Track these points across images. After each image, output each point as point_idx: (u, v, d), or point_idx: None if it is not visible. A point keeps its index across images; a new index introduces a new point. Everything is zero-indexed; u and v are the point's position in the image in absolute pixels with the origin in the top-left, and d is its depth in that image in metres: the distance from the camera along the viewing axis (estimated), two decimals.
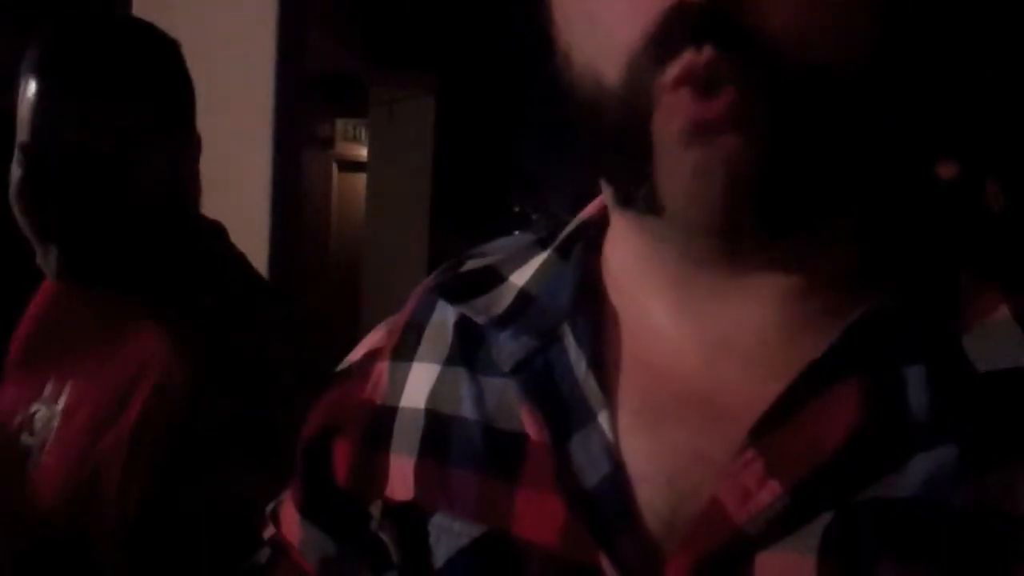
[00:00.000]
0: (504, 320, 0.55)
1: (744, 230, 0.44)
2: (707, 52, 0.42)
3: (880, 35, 0.44)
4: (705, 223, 0.44)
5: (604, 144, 0.46)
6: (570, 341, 0.52)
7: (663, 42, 0.43)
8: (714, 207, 0.43)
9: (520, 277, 0.57)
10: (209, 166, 2.23)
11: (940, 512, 0.43)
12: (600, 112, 0.46)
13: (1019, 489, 0.43)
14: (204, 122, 2.23)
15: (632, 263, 0.52)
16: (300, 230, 2.55)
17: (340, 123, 7.56)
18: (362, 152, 6.67)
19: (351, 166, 7.44)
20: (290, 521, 0.65)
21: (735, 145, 0.42)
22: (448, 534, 0.54)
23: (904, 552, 0.43)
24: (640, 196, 0.45)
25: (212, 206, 2.21)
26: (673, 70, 0.42)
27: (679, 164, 0.43)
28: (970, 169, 0.53)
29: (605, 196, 0.53)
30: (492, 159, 5.30)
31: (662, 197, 0.44)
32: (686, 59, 0.42)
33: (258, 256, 2.24)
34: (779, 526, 0.45)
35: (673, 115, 0.43)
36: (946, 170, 0.53)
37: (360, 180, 6.56)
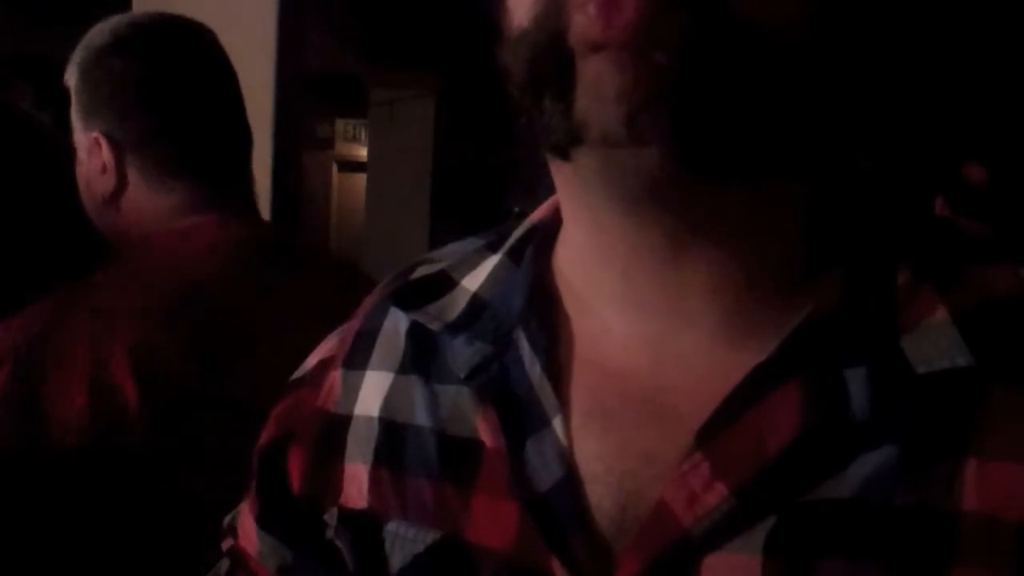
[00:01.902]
0: (458, 326, 0.55)
1: (657, 146, 0.43)
2: None
3: (828, 8, 0.45)
4: (614, 126, 0.43)
5: (524, 88, 0.46)
6: (524, 346, 0.52)
7: None
8: (628, 105, 0.42)
9: (472, 282, 0.57)
10: None
11: (881, 511, 0.44)
12: (516, 60, 0.46)
13: (956, 486, 0.44)
14: None
15: (581, 263, 0.52)
16: (300, 230, 2.55)
17: (340, 123, 7.57)
18: (362, 152, 6.68)
19: (351, 166, 7.45)
20: (248, 531, 0.65)
21: (649, 56, 0.42)
22: (403, 541, 0.54)
23: (847, 551, 0.44)
24: (559, 119, 0.45)
25: None
26: None
27: (593, 68, 0.43)
28: (908, 170, 0.54)
29: (552, 171, 0.53)
30: (491, 159, 5.30)
31: (579, 112, 0.44)
32: None
33: None
34: (725, 528, 0.45)
35: (583, 30, 0.43)
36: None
37: (360, 180, 6.56)
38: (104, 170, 1.05)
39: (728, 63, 0.42)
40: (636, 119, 0.42)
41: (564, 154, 0.46)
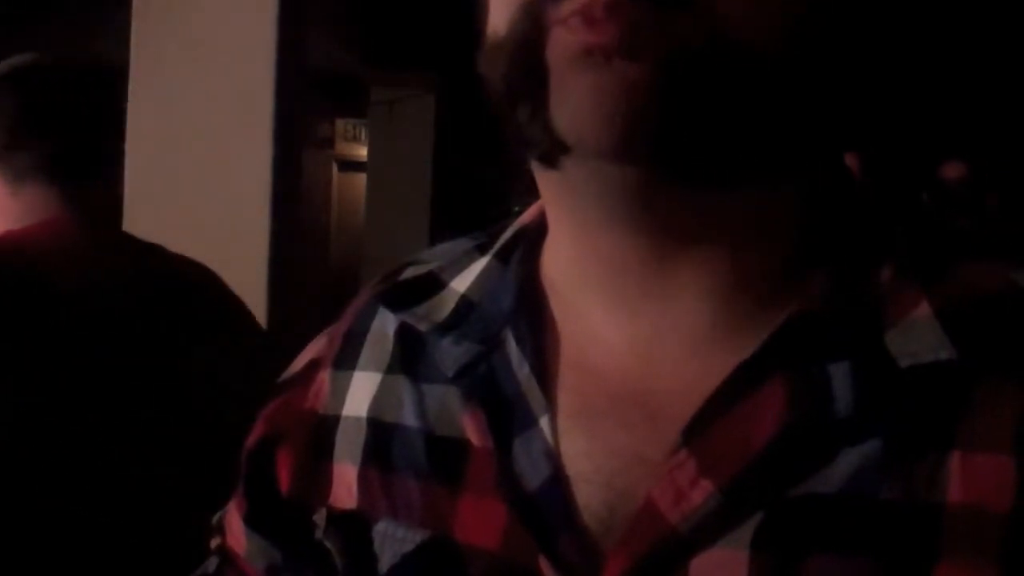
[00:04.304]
0: (446, 326, 0.55)
1: (641, 160, 0.44)
2: None
3: (810, 17, 0.45)
4: (599, 146, 0.43)
5: (502, 97, 0.47)
6: (512, 346, 0.53)
7: None
8: (612, 125, 0.42)
9: (461, 283, 0.57)
10: (209, 166, 2.24)
11: (867, 505, 0.44)
12: (494, 68, 0.46)
13: (941, 479, 0.44)
14: (204, 122, 2.23)
15: (568, 264, 0.53)
16: (300, 230, 2.55)
17: (340, 123, 7.57)
18: (362, 152, 6.68)
19: (351, 166, 7.45)
20: (235, 530, 0.65)
21: (631, 69, 0.42)
22: (392, 541, 0.54)
23: (834, 546, 0.44)
24: (539, 133, 0.45)
25: (212, 206, 2.22)
26: (571, 4, 0.42)
27: (573, 88, 0.43)
28: (892, 167, 0.54)
29: (536, 176, 0.53)
30: (492, 159, 5.31)
31: (560, 126, 0.44)
32: None
33: (258, 256, 2.24)
34: (713, 525, 0.45)
35: (564, 41, 0.43)
36: (867, 166, 0.54)
37: (360, 179, 6.57)
38: None
39: (710, 75, 0.42)
40: (619, 139, 0.43)
41: (548, 163, 0.47)
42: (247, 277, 2.18)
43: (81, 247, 1.27)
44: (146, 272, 1.32)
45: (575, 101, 0.43)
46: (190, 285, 1.36)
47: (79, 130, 1.33)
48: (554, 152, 0.45)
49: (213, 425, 1.13)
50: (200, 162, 2.23)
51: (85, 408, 1.14)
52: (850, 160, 0.53)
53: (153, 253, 1.37)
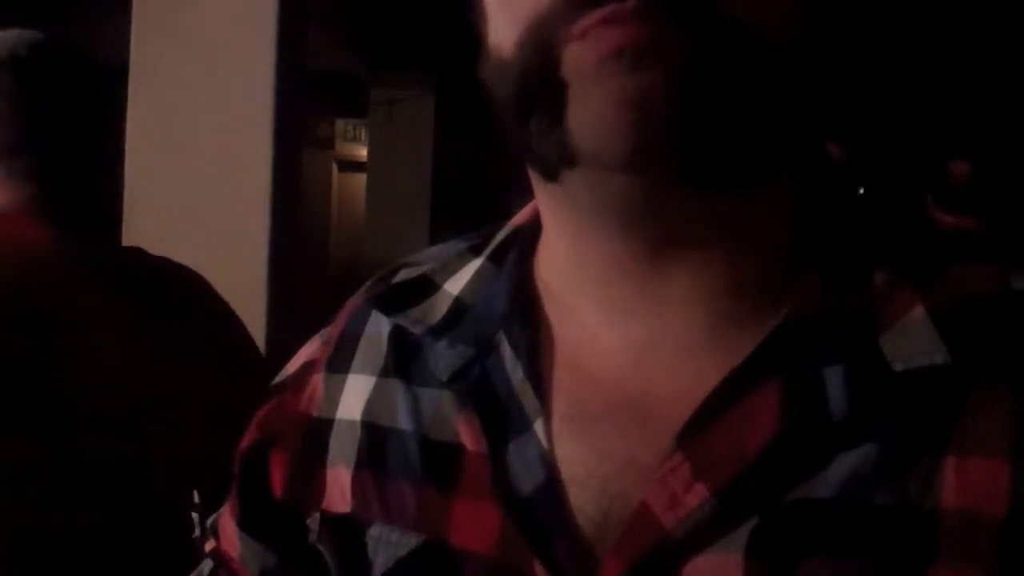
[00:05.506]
0: (440, 329, 0.55)
1: (660, 169, 0.44)
2: (632, 1, 0.42)
3: (812, 10, 0.45)
4: (620, 157, 0.43)
5: (511, 112, 0.47)
6: (506, 349, 0.52)
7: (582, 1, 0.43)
8: (628, 137, 0.43)
9: (455, 285, 0.57)
10: (209, 166, 2.24)
11: (862, 510, 0.44)
12: (501, 84, 0.47)
13: (935, 484, 0.44)
14: (204, 122, 2.24)
15: (562, 268, 0.53)
16: (300, 230, 2.55)
17: (340, 123, 7.57)
18: (362, 152, 6.68)
19: (351, 166, 7.45)
20: (229, 534, 0.64)
21: (650, 78, 0.42)
22: (386, 545, 0.54)
23: (829, 551, 0.44)
24: (552, 145, 0.45)
25: (212, 206, 2.22)
26: (590, 18, 0.42)
27: (592, 97, 0.43)
28: (888, 169, 0.54)
29: (534, 184, 0.53)
30: (491, 159, 5.30)
31: (575, 137, 0.44)
32: (609, 8, 0.42)
33: (258, 256, 2.24)
34: (707, 529, 0.45)
35: (589, 48, 0.43)
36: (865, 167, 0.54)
37: (360, 180, 6.56)
38: None
39: (726, 76, 0.43)
40: (640, 146, 0.43)
41: (552, 176, 0.47)
42: (247, 277, 2.19)
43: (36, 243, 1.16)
44: (113, 271, 1.21)
45: (596, 111, 0.43)
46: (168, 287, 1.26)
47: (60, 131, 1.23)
48: (564, 164, 0.45)
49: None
50: (200, 162, 2.23)
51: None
52: (847, 162, 0.53)
53: (130, 255, 1.28)
